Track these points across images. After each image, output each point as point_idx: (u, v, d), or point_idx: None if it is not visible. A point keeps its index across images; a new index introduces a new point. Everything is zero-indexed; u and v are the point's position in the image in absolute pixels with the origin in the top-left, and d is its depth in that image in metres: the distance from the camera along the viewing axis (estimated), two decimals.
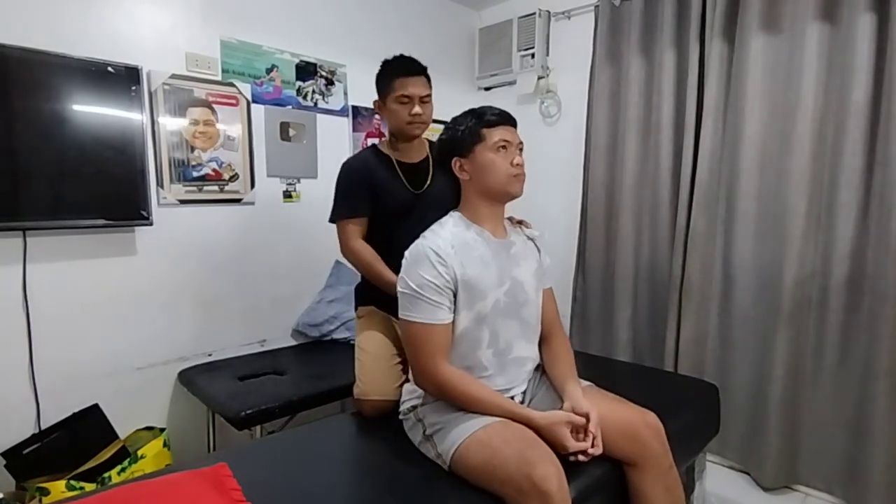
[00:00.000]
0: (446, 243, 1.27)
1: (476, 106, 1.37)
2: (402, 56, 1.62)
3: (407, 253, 1.30)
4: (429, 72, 1.64)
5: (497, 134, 1.30)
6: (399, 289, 1.28)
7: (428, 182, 1.63)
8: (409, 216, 1.56)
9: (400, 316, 1.29)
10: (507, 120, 1.34)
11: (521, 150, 1.35)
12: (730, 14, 2.14)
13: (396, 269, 1.37)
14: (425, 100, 1.59)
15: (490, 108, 1.35)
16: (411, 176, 1.63)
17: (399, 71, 1.58)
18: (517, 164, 1.31)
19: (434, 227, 1.34)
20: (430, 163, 1.66)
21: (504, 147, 1.30)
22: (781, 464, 2.06)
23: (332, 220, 1.66)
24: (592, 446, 1.20)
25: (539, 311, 1.42)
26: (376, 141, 2.70)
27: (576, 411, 1.24)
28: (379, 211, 1.60)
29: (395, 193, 1.60)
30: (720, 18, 2.15)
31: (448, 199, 1.39)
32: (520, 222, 1.50)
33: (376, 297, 1.62)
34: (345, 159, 1.72)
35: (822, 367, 1.99)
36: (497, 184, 1.31)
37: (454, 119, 1.37)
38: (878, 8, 1.81)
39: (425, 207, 1.46)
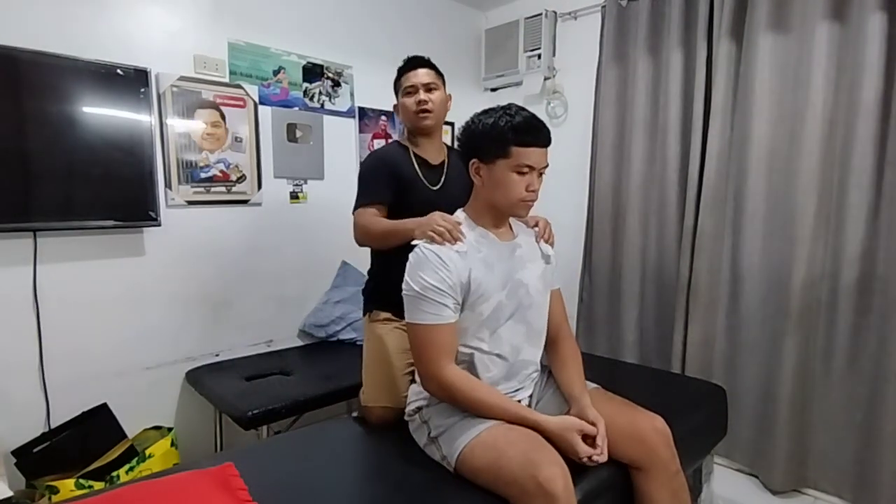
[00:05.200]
0: (448, 247, 1.25)
1: (499, 105, 1.28)
2: (410, 56, 1.68)
3: (410, 256, 1.28)
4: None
5: (526, 157, 1.22)
6: (403, 292, 1.28)
7: (441, 182, 1.63)
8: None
9: (406, 319, 1.28)
10: (542, 141, 1.25)
11: (543, 172, 1.28)
12: (738, 13, 2.13)
13: None
14: (431, 87, 1.61)
15: (529, 121, 1.24)
16: (428, 173, 1.63)
17: (405, 67, 1.65)
18: (531, 191, 1.25)
19: None
20: (446, 166, 1.66)
21: (526, 172, 1.24)
22: (790, 467, 2.04)
23: (353, 211, 1.62)
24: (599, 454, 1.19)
25: (545, 315, 1.41)
26: (382, 142, 2.71)
27: (583, 420, 1.23)
28: (402, 207, 1.56)
29: (417, 189, 1.59)
30: (728, 18, 2.13)
31: (465, 200, 1.38)
32: (531, 223, 1.47)
33: (389, 301, 1.54)
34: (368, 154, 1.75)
35: (831, 369, 1.97)
36: (504, 204, 1.28)
37: (488, 112, 1.28)
38: (888, 7, 1.79)
39: (446, 206, 1.41)
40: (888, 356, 1.82)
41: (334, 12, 2.52)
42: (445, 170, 1.65)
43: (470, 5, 3.09)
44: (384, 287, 1.55)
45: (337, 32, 2.53)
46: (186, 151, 2.08)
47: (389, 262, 1.45)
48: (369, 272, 1.72)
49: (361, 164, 1.70)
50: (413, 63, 1.63)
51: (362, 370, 1.63)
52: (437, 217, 1.31)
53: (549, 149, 1.28)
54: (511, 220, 1.40)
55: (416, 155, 1.64)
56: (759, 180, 2.11)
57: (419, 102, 1.59)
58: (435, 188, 1.61)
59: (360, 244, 1.61)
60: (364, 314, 1.69)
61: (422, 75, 1.61)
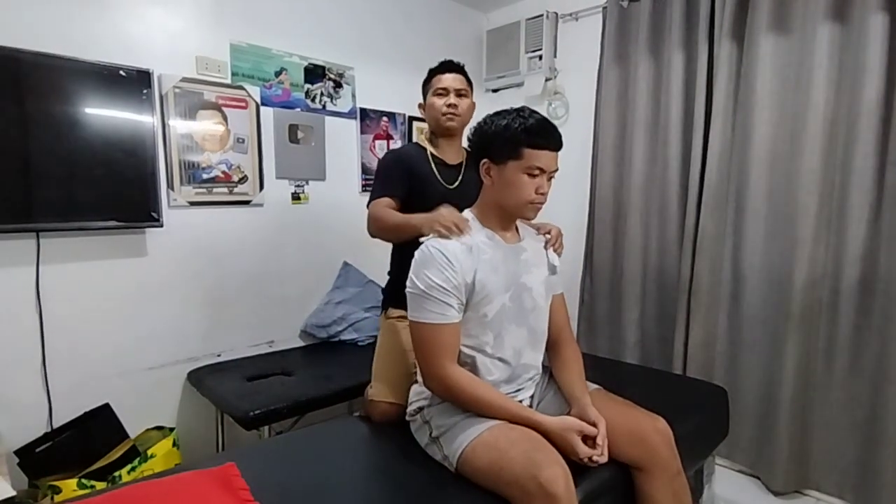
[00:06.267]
0: (455, 245, 1.26)
1: (512, 107, 1.28)
2: (445, 60, 1.73)
3: (416, 253, 1.28)
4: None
5: (537, 159, 1.23)
6: (407, 290, 1.28)
7: (458, 181, 1.67)
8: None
9: (409, 317, 1.28)
10: (554, 145, 1.26)
11: (552, 176, 1.29)
12: (739, 14, 2.13)
13: None
14: (461, 93, 1.67)
15: (542, 124, 1.25)
16: (445, 172, 1.67)
17: (439, 69, 1.70)
18: (541, 193, 1.26)
19: None
20: (464, 167, 1.69)
21: (537, 174, 1.24)
22: (792, 468, 2.04)
23: (367, 204, 1.66)
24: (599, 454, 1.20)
25: (546, 319, 1.41)
26: (383, 143, 2.71)
27: (583, 420, 1.23)
28: (415, 202, 1.59)
29: (432, 186, 1.63)
30: (729, 19, 2.14)
31: (477, 197, 1.39)
32: (544, 230, 1.47)
33: (403, 299, 1.49)
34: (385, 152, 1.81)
35: (833, 369, 1.97)
36: (512, 205, 1.28)
37: (501, 113, 1.28)
38: (889, 7, 1.79)
39: (461, 204, 1.43)
40: (890, 357, 1.82)
41: (336, 13, 2.52)
42: (463, 170, 1.69)
43: (471, 6, 3.09)
44: (399, 285, 1.53)
45: (338, 34, 2.54)
46: (188, 152, 2.08)
47: (405, 261, 1.44)
48: (389, 271, 1.75)
49: (379, 160, 1.74)
50: (448, 67, 1.69)
51: (372, 364, 1.65)
52: (443, 211, 1.32)
53: None
54: (519, 223, 1.41)
55: (433, 155, 1.68)
56: (761, 181, 2.11)
57: (449, 105, 1.64)
58: (451, 187, 1.64)
59: (373, 236, 1.63)
60: (382, 311, 1.73)
61: (455, 80, 1.67)
